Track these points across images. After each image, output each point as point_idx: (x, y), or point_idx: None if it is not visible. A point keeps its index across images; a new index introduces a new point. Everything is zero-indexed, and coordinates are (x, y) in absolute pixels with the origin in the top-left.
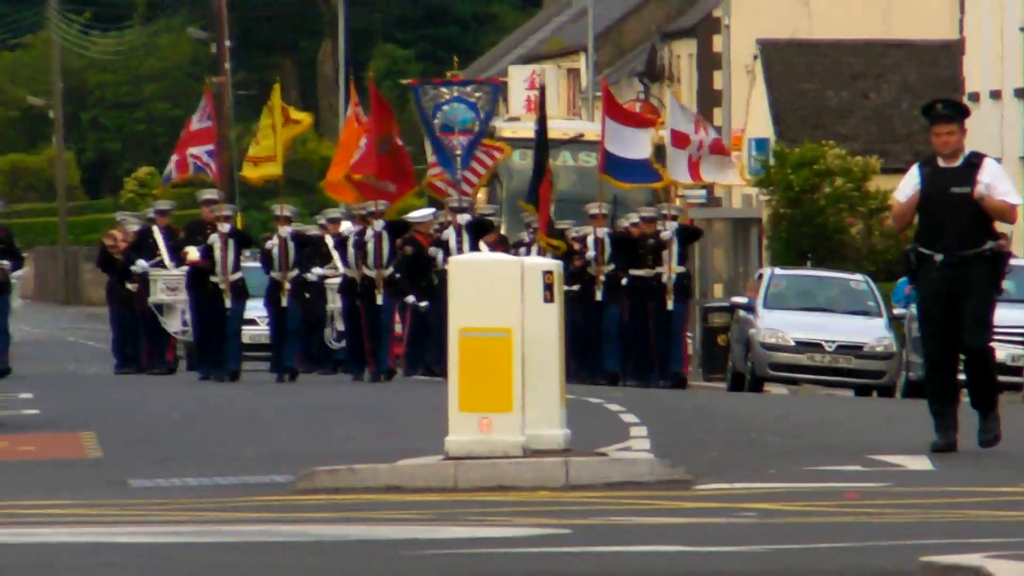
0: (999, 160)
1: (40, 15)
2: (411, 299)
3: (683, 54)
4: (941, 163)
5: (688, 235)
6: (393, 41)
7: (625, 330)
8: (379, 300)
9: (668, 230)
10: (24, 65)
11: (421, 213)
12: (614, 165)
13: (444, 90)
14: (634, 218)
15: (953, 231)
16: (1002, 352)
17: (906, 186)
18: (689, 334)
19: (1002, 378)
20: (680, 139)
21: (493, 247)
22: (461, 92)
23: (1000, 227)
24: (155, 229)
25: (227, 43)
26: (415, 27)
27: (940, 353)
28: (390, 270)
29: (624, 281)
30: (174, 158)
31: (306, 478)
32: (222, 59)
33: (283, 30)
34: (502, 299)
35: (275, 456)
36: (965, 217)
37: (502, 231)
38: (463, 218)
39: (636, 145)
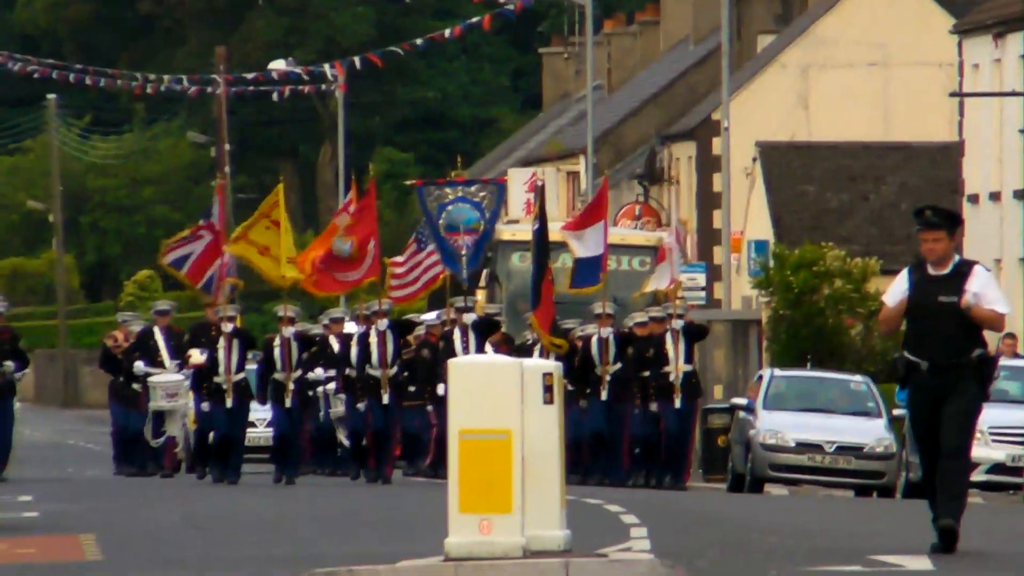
0: (998, 262)
1: (39, 120)
2: (430, 408)
3: (682, 156)
4: (930, 270)
5: (694, 333)
6: (392, 144)
7: (634, 430)
8: (384, 400)
9: (674, 327)
10: (24, 169)
11: (431, 316)
12: (578, 271)
13: (448, 190)
14: (640, 317)
15: (940, 339)
16: (1002, 452)
17: (895, 291)
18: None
19: (1002, 478)
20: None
21: (497, 347)
22: (465, 192)
23: (988, 335)
24: (156, 330)
25: (227, 147)
26: (415, 130)
27: (933, 456)
28: (395, 370)
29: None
30: (217, 262)
31: None
32: (222, 163)
33: (283, 134)
34: (502, 401)
35: (275, 559)
36: (952, 326)
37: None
38: (469, 318)
39: (596, 242)
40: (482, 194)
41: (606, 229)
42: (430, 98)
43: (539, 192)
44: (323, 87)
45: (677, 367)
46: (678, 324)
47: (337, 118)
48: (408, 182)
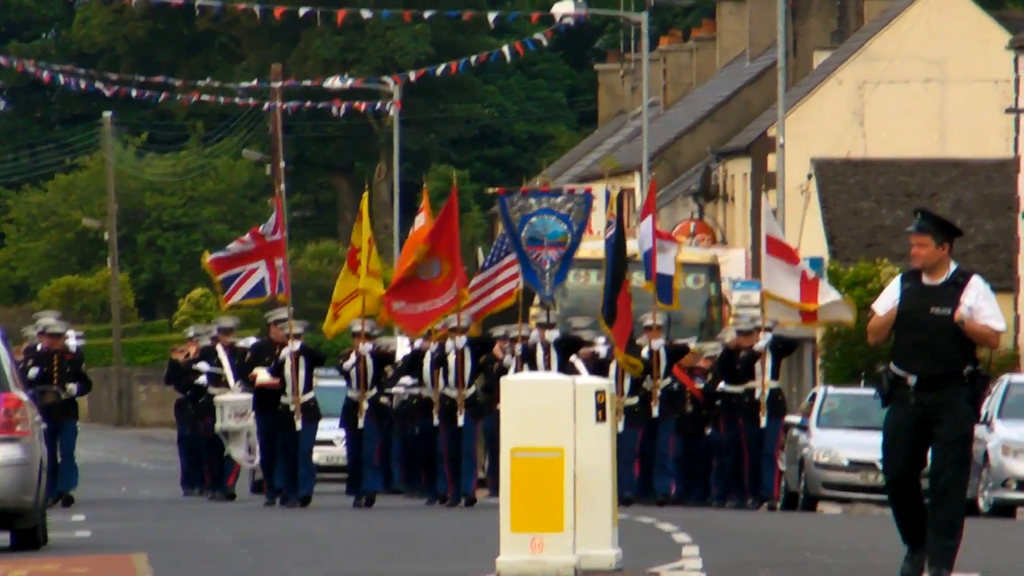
0: None
1: (96, 137)
2: None
3: (737, 173)
4: (925, 279)
5: (783, 348)
6: (448, 161)
7: (720, 448)
8: (460, 422)
9: (762, 342)
10: (79, 187)
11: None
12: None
13: (532, 201)
14: (730, 333)
15: (929, 353)
16: None
17: (885, 300)
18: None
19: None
20: (783, 251)
21: (588, 363)
22: (550, 203)
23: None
24: (219, 348)
25: (282, 164)
26: (470, 147)
27: (901, 481)
28: (472, 389)
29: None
30: (262, 272)
31: None
32: (277, 180)
33: (338, 151)
34: (554, 419)
35: None
36: (944, 339)
37: None
38: (551, 335)
39: (667, 262)
40: (568, 205)
41: (654, 237)
42: (486, 115)
43: (618, 202)
44: (379, 104)
45: (763, 383)
46: (766, 337)
47: (392, 135)
48: (491, 190)
